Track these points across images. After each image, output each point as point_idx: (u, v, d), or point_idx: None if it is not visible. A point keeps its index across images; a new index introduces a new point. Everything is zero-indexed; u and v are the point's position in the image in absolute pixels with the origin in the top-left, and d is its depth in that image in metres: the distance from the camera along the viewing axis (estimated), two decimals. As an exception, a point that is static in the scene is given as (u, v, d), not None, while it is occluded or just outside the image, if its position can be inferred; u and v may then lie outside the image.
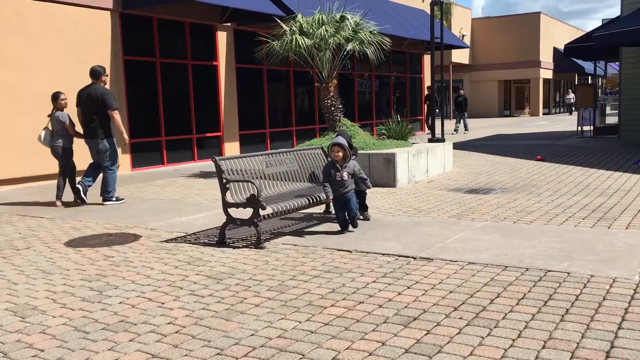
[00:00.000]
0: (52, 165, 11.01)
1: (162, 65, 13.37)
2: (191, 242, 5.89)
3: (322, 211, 7.16)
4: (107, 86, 8.89)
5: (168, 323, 3.66)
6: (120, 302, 4.08)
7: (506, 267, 4.61)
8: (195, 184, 10.32)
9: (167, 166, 13.20)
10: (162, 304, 4.03)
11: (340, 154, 6.07)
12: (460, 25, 37.72)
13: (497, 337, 3.26)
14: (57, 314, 3.89)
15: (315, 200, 6.16)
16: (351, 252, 5.26)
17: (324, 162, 7.20)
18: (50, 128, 8.48)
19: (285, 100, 17.40)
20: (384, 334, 3.37)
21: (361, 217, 6.56)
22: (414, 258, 4.98)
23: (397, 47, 20.68)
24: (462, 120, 23.03)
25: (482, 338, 3.26)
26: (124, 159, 12.49)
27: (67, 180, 8.58)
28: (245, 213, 5.69)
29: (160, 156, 13.48)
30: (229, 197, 5.75)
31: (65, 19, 11.22)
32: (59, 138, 8.43)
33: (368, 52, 11.02)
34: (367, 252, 5.22)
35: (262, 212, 5.60)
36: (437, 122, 14.81)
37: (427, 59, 24.55)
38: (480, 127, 27.05)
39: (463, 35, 37.66)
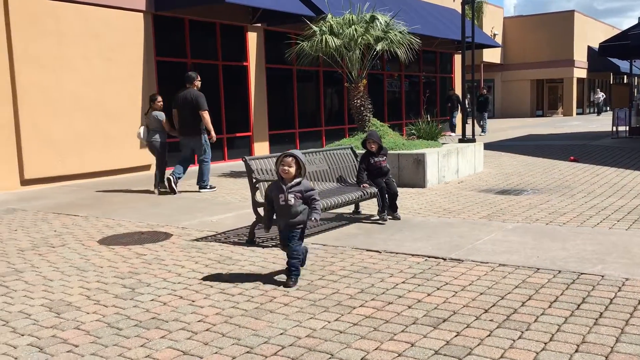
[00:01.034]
0: (86, 165, 11.25)
1: (194, 66, 13.52)
2: (221, 241, 5.94)
3: (351, 211, 7.16)
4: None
5: (199, 321, 3.70)
6: (152, 300, 4.14)
7: (538, 269, 4.54)
8: (225, 184, 10.41)
9: (197, 166, 13.36)
10: (193, 301, 4.08)
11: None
12: (492, 24, 37.24)
13: (528, 340, 3.21)
14: (91, 310, 3.97)
15: (344, 201, 6.17)
16: (380, 252, 5.25)
17: (353, 162, 7.20)
18: (147, 126, 9.53)
19: (315, 101, 17.43)
20: (413, 335, 3.36)
21: (388, 218, 6.56)
22: (444, 259, 4.94)
23: (428, 46, 20.52)
24: (482, 121, 22.62)
25: (514, 341, 3.21)
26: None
27: (159, 172, 9.60)
28: (275, 213, 5.72)
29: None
30: (258, 197, 5.79)
31: (98, 21, 11.44)
32: (155, 134, 9.48)
33: (398, 52, 10.97)
34: (397, 253, 5.20)
35: (291, 212, 5.62)
36: (460, 123, 14.64)
37: (457, 58, 24.30)
38: (512, 128, 26.67)
39: (495, 34, 37.17)
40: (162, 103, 9.66)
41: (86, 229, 6.79)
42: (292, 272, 4.36)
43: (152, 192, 9.50)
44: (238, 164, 13.32)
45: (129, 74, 12.01)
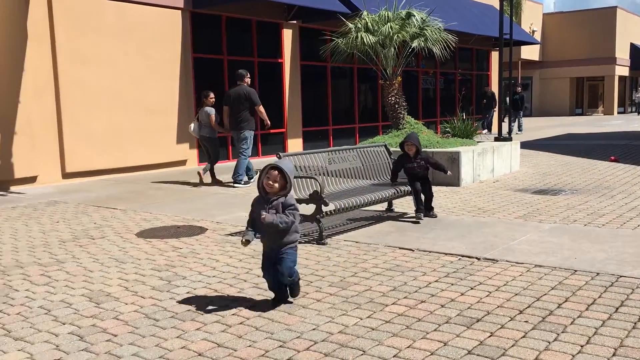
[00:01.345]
0: (124, 159, 11.49)
1: (229, 63, 13.67)
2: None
3: (384, 209, 7.15)
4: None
5: (232, 314, 3.76)
6: (188, 292, 4.22)
7: (575, 271, 4.46)
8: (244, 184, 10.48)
9: (232, 161, 13.49)
10: (227, 295, 4.14)
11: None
12: (531, 20, 36.56)
13: (564, 343, 3.17)
14: (129, 301, 4.07)
15: (378, 198, 6.16)
16: (413, 250, 5.23)
17: (387, 159, 7.18)
18: (199, 121, 10.12)
19: (349, 98, 17.41)
20: (446, 334, 3.34)
21: (424, 217, 6.53)
22: (478, 259, 4.90)
23: (464, 43, 20.27)
24: (517, 120, 22.16)
25: (549, 343, 3.17)
26: (192, 154, 12.87)
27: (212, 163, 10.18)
28: (308, 209, 5.76)
29: (226, 152, 13.80)
30: (292, 193, 5.83)
31: (137, 18, 11.66)
32: (206, 129, 10.07)
33: (434, 49, 10.88)
34: (430, 251, 5.17)
35: (324, 209, 5.66)
36: (497, 122, 14.41)
37: (495, 55, 23.95)
38: (550, 126, 26.16)
39: (533, 31, 36.48)
40: (213, 99, 10.20)
41: (124, 221, 6.94)
42: (293, 287, 3.96)
43: (197, 185, 9.96)
44: (272, 160, 13.41)
45: (167, 70, 12.21)
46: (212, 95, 10.21)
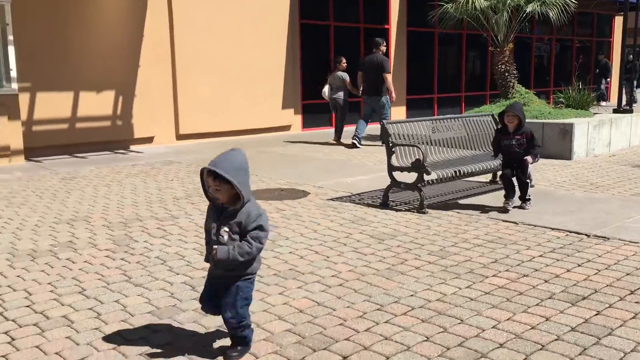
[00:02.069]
0: (232, 123, 11.95)
1: (335, 29, 13.69)
2: (355, 202, 6.09)
3: (487, 180, 6.97)
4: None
5: (332, 276, 3.88)
6: (290, 252, 4.40)
7: (697, 254, 4.16)
8: (362, 146, 10.55)
9: (352, 126, 13.62)
10: (327, 257, 4.27)
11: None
12: (663, -19, 33.27)
13: (679, 328, 2.99)
14: (236, 257, 4.30)
15: (482, 169, 6.02)
16: (517, 224, 5.09)
17: (493, 130, 6.95)
18: (330, 85, 10.86)
19: (456, 65, 16.90)
20: (548, 309, 3.26)
21: (512, 207, 5.50)
22: (587, 235, 4.68)
23: (584, 7, 18.88)
24: (631, 90, 20.23)
25: (661, 326, 3.01)
26: (296, 120, 13.14)
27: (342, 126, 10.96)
28: (410, 177, 5.74)
29: (330, 118, 13.95)
30: (394, 161, 5.84)
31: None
32: (338, 92, 10.81)
33: (550, 14, 10.27)
34: (535, 225, 5.01)
35: (426, 177, 5.62)
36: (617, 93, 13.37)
37: (618, 21, 22.13)
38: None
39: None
40: (346, 64, 10.88)
41: (232, 183, 7.26)
42: (238, 339, 2.80)
43: (333, 144, 10.85)
44: (374, 128, 13.38)
45: (275, 37, 12.45)
46: (344, 60, 10.85)
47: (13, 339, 3.00)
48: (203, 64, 11.42)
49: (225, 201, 2.65)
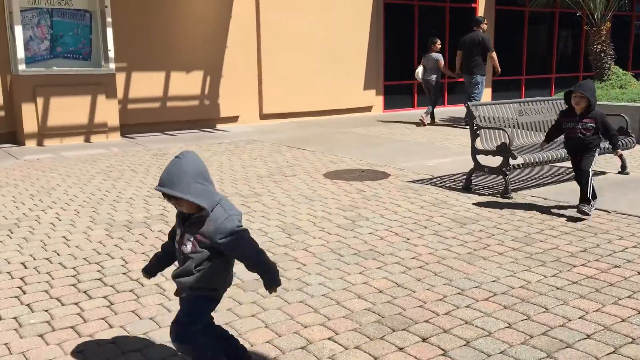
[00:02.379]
0: (313, 103, 12.05)
1: (420, 8, 13.42)
2: (437, 184, 6.02)
3: (578, 166, 6.66)
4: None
5: (412, 258, 3.88)
6: (370, 233, 4.43)
7: None
8: (443, 129, 10.37)
9: (416, 109, 13.44)
10: (407, 239, 4.26)
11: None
12: None
13: None
14: (317, 235, 4.39)
15: (554, 157, 5.75)
16: (609, 212, 4.86)
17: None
18: (424, 66, 10.87)
19: (547, 45, 16.15)
20: (640, 302, 3.12)
21: (586, 214, 4.63)
22: (687, 228, 4.40)
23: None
24: None
25: None
26: (378, 101, 13.06)
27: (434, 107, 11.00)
28: (494, 161, 5.60)
29: (411, 99, 13.76)
30: (478, 144, 5.71)
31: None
32: (432, 74, 10.81)
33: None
34: (629, 215, 4.76)
35: (512, 162, 5.46)
36: None
37: None
38: None
39: None
40: (440, 45, 10.94)
41: (313, 162, 7.37)
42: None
43: (419, 125, 10.74)
44: (457, 110, 13.09)
45: (358, 18, 12.37)
46: (439, 41, 10.90)
47: (112, 304, 3.23)
48: (287, 45, 11.55)
49: (192, 211, 2.31)
